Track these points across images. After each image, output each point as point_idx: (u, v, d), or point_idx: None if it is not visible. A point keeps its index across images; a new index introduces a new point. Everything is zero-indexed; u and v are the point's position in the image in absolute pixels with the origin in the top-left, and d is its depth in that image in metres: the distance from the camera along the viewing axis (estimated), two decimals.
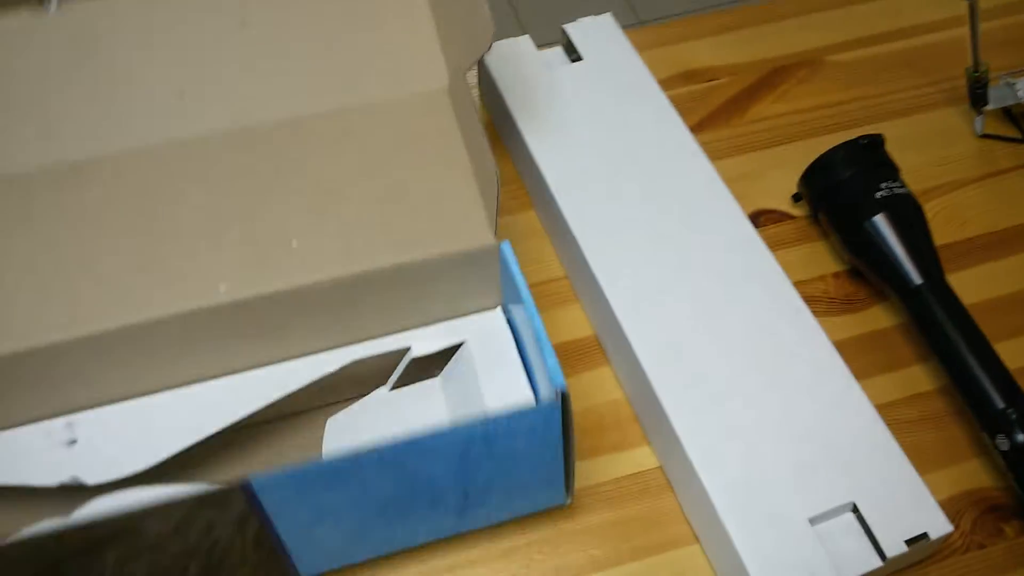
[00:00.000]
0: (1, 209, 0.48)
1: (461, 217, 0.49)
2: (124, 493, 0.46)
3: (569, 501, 0.49)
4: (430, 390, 0.53)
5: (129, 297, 0.46)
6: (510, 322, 0.51)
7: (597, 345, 0.57)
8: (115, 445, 0.47)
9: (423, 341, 0.51)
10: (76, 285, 0.46)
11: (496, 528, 0.50)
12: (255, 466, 0.51)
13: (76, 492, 0.47)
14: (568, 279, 0.59)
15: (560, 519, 0.50)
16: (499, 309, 0.52)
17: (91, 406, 0.48)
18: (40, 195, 0.49)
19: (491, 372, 0.49)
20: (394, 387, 0.52)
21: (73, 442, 0.47)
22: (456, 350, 0.51)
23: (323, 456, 0.41)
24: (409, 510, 0.46)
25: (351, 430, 0.51)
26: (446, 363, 0.52)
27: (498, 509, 0.49)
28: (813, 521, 0.45)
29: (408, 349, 0.51)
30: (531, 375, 0.49)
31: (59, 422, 0.48)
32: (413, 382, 0.53)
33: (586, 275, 0.55)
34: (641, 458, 0.52)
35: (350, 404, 0.52)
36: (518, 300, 0.48)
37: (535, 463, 0.47)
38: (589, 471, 0.51)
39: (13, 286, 0.46)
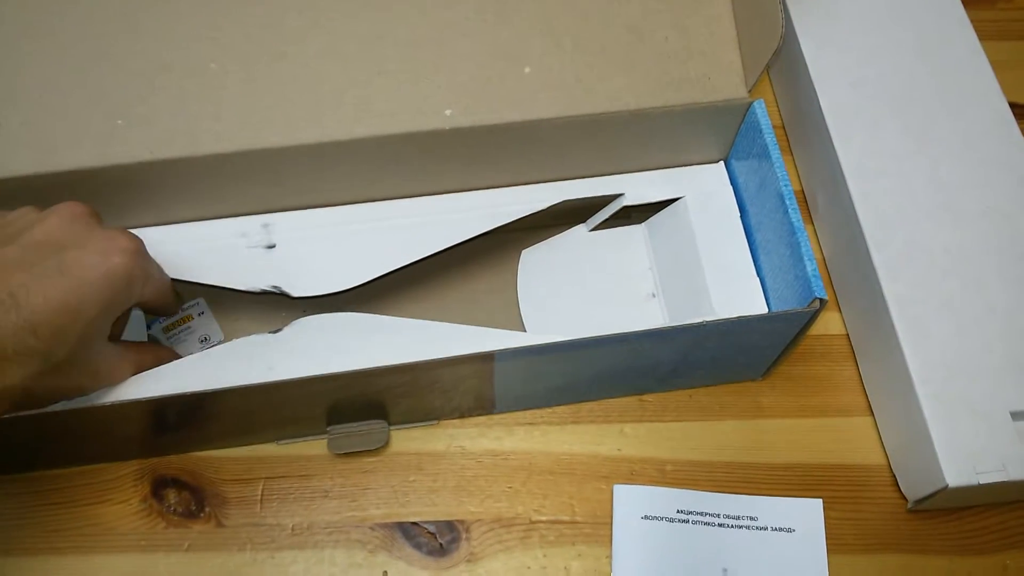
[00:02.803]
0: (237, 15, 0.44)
1: (711, 62, 0.45)
2: (333, 316, 0.44)
3: (761, 379, 0.48)
4: (631, 237, 0.50)
5: (352, 112, 0.43)
6: (733, 182, 0.48)
7: (800, 199, 0.53)
8: (314, 258, 0.45)
9: (637, 188, 0.48)
10: (299, 96, 0.43)
11: None
12: (447, 296, 0.49)
13: (277, 301, 0.46)
14: (784, 128, 0.56)
15: None
16: (721, 164, 0.49)
17: (288, 208, 0.47)
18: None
19: (710, 235, 0.47)
20: (594, 228, 0.50)
21: (272, 247, 0.46)
22: (671, 202, 0.49)
23: (565, 339, 0.39)
24: (618, 380, 0.45)
25: (546, 265, 0.50)
26: (653, 212, 0.50)
27: (696, 381, 0.47)
28: (1015, 416, 0.42)
29: (622, 195, 0.48)
30: (753, 245, 0.46)
31: (255, 221, 0.46)
32: (614, 226, 0.50)
33: (812, 120, 0.51)
34: (828, 322, 0.50)
35: (547, 236, 0.50)
36: (755, 164, 0.45)
37: (756, 353, 0.45)
38: None
39: (239, 91, 0.43)
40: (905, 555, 0.44)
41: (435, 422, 0.47)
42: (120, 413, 0.39)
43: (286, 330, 0.43)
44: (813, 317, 0.41)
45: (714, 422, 0.47)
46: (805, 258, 0.41)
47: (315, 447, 0.46)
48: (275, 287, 0.45)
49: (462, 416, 0.47)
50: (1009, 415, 0.42)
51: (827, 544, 0.43)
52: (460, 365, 0.40)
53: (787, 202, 0.42)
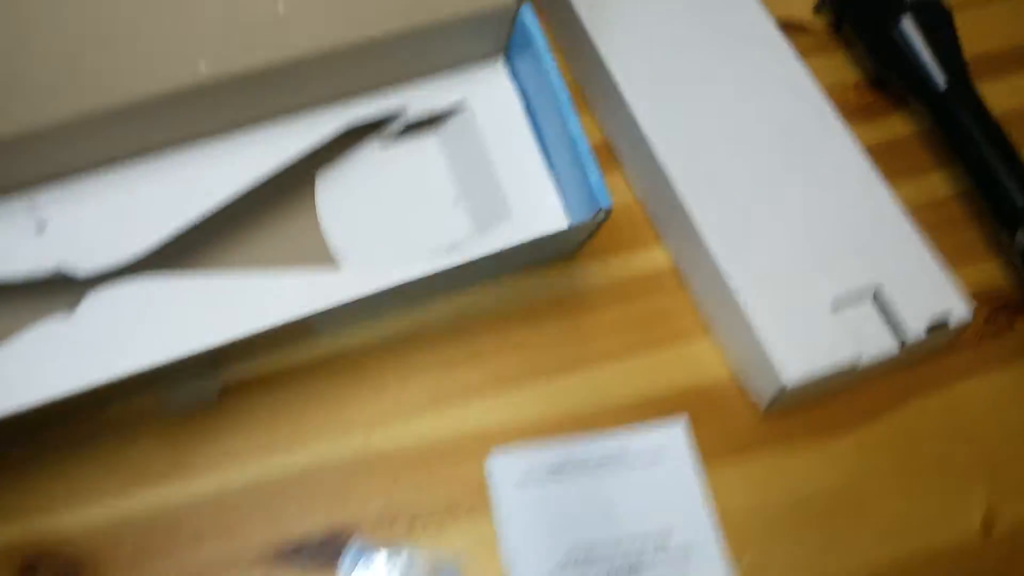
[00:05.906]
0: None
1: None
2: (128, 284, 0.41)
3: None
4: (425, 146, 0.50)
5: (96, 79, 0.39)
6: (515, 79, 0.49)
7: (608, 151, 0.55)
8: (94, 229, 0.41)
9: (420, 98, 0.47)
10: (35, 68, 0.39)
11: (506, 322, 0.49)
12: (252, 244, 0.47)
13: (64, 285, 0.42)
14: (579, 85, 0.58)
15: (571, 315, 0.49)
16: (501, 64, 0.49)
17: (54, 180, 0.42)
18: None
19: (499, 137, 0.47)
20: (387, 144, 0.50)
21: (43, 227, 0.41)
22: (457, 109, 0.49)
23: (374, 290, 0.40)
24: (437, 291, 0.47)
25: (345, 187, 0.49)
26: (442, 120, 0.50)
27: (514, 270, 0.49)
28: (834, 306, 0.44)
29: (404, 109, 0.47)
30: (543, 142, 0.47)
31: (19, 203, 0.41)
32: (406, 139, 0.50)
33: (603, 77, 0.53)
34: (656, 260, 0.51)
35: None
36: (530, 68, 0.46)
37: (560, 248, 0.47)
38: (602, 270, 0.51)
39: None
40: (770, 456, 0.46)
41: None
42: None
43: (83, 307, 0.40)
44: (606, 217, 0.43)
45: (566, 377, 0.48)
46: (587, 171, 0.42)
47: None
48: (58, 270, 0.41)
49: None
50: (828, 307, 0.44)
51: (696, 462, 0.45)
52: (278, 332, 0.40)
53: (565, 113, 0.43)
